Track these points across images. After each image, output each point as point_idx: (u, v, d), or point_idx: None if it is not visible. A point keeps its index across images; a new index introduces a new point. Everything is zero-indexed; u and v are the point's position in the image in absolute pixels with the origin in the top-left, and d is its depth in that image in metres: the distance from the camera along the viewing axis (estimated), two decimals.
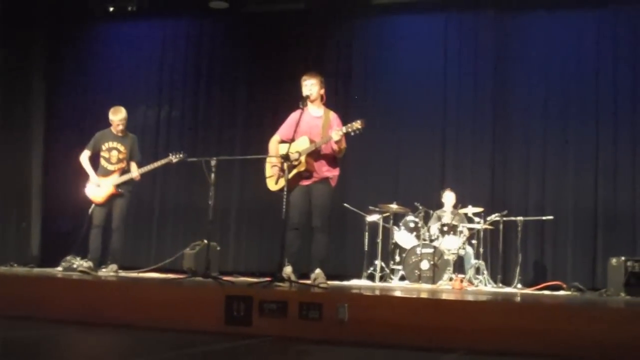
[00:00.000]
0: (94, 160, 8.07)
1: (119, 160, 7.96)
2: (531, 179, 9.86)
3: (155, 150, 10.80)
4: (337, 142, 6.21)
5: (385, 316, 4.60)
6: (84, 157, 8.04)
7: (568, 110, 9.81)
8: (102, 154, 7.97)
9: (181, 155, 7.95)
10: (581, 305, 5.33)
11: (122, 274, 7.99)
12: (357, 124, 6.10)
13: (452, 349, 4.33)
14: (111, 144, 7.97)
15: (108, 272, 7.84)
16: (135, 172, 7.96)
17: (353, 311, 4.60)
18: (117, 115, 7.94)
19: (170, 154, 8.01)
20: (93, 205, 7.99)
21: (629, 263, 7.73)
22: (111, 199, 7.93)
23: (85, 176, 8.05)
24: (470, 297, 5.78)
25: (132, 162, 8.05)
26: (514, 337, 4.30)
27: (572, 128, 9.75)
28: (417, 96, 10.32)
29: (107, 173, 7.94)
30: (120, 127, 7.96)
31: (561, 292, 8.45)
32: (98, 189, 7.90)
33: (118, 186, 7.91)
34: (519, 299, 5.79)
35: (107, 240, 8.09)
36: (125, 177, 7.94)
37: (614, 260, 7.89)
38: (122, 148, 7.98)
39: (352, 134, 6.14)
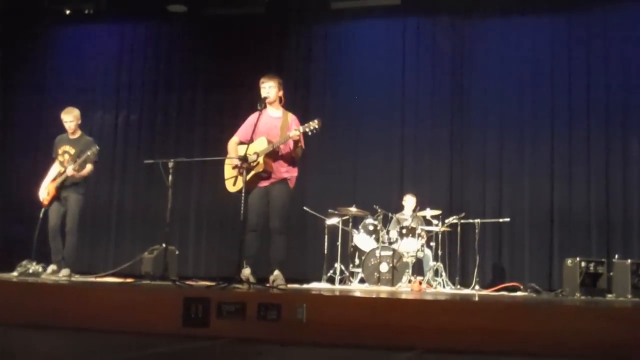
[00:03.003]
0: None
1: (69, 163, 7.80)
2: (488, 181, 9.99)
3: (113, 152, 10.72)
4: (295, 142, 6.23)
5: (343, 316, 4.60)
6: (53, 165, 7.94)
7: (524, 114, 9.98)
8: (58, 157, 7.88)
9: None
10: (537, 303, 5.41)
11: (77, 278, 7.78)
12: (314, 124, 6.12)
13: (410, 347, 4.34)
14: (65, 148, 7.86)
15: (60, 276, 7.59)
16: (70, 170, 7.64)
17: (311, 311, 4.59)
18: (67, 116, 7.85)
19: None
20: (43, 209, 7.86)
21: (583, 263, 7.88)
22: (57, 200, 7.78)
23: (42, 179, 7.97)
24: (428, 297, 5.82)
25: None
26: (471, 335, 4.33)
27: (528, 131, 9.93)
28: (375, 100, 10.41)
29: (60, 176, 7.81)
30: (70, 128, 7.83)
31: (518, 293, 8.55)
32: (44, 191, 7.83)
33: (59, 188, 7.74)
34: (476, 298, 5.84)
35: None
36: (61, 178, 7.72)
37: (569, 261, 8.02)
38: (72, 151, 7.84)
39: (310, 133, 6.17)
